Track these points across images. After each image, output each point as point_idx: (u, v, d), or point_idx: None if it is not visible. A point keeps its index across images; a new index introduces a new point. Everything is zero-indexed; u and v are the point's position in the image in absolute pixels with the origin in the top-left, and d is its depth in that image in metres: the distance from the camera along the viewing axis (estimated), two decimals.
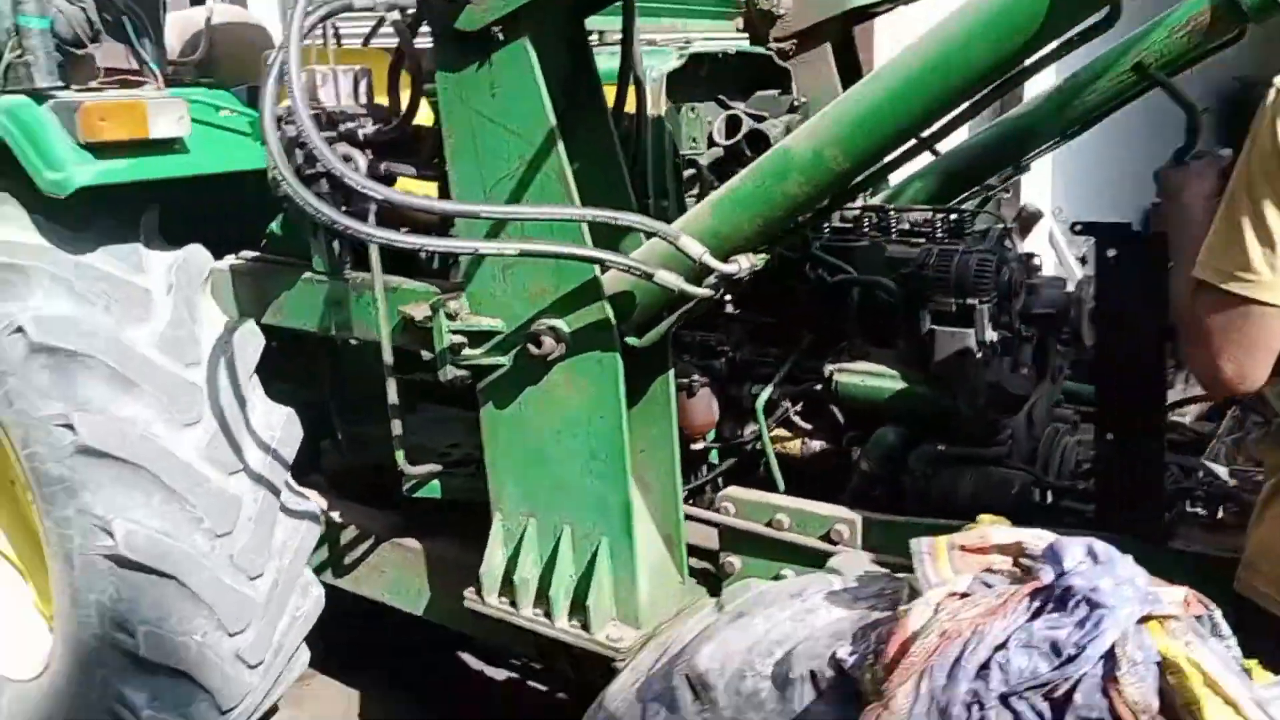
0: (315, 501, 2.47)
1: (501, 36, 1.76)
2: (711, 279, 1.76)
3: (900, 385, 2.13)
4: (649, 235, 1.80)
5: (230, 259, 2.49)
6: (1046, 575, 1.00)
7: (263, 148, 2.06)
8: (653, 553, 2.02)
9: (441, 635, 2.54)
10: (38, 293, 2.14)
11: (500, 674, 3.10)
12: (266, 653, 2.39)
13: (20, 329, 2.08)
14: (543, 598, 2.05)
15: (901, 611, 1.06)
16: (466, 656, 3.16)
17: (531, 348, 1.89)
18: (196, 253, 2.40)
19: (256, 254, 2.53)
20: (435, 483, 2.34)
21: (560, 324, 1.88)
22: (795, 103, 2.55)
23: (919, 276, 2.12)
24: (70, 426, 2.07)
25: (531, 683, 3.05)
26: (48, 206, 2.21)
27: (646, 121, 2.30)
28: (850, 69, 2.78)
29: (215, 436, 2.23)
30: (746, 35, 2.86)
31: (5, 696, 2.59)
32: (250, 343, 2.35)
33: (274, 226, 2.54)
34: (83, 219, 2.24)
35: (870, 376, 2.17)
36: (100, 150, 2.11)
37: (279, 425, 2.37)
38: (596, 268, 1.83)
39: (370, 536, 2.57)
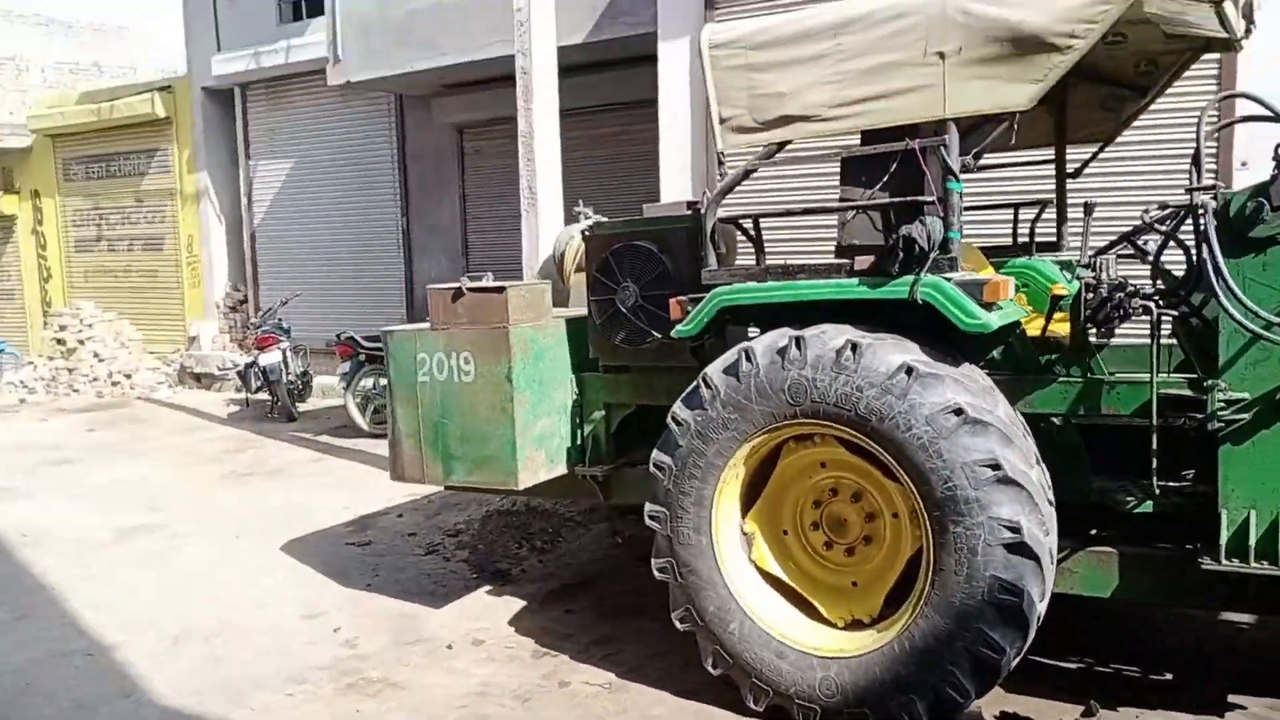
0: None
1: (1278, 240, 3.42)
2: None
3: None
4: None
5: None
6: None
7: None
8: None
9: None
10: (949, 389, 3.65)
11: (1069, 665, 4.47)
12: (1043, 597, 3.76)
13: (960, 410, 3.58)
14: (1265, 556, 3.51)
15: None
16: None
17: None
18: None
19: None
20: (1150, 503, 3.84)
21: None
22: None
23: None
24: (996, 465, 3.54)
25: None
26: (943, 340, 3.78)
27: None
28: None
29: (1042, 474, 3.72)
30: None
31: (833, 670, 3.92)
32: (1024, 424, 3.87)
33: (996, 354, 4.12)
34: (959, 348, 3.80)
35: None
36: (987, 306, 3.69)
37: (1044, 475, 3.86)
38: None
39: (1064, 549, 4.01)
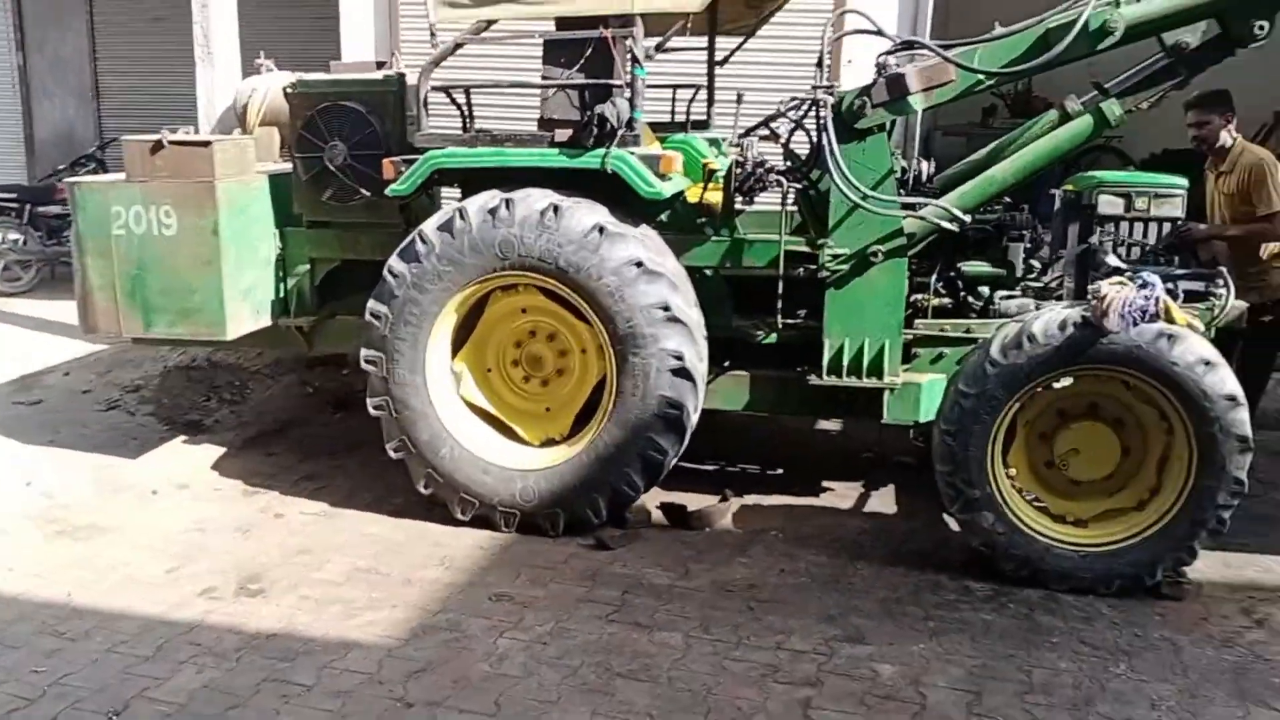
0: None
1: (875, 131, 4.48)
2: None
3: None
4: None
5: None
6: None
7: None
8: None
9: None
10: (630, 245, 4.43)
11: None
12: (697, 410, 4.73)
13: (640, 263, 4.38)
14: (853, 372, 4.70)
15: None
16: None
17: (871, 258, 4.58)
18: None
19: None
20: (774, 336, 4.91)
21: (881, 246, 4.58)
22: None
23: None
24: (666, 307, 4.40)
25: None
26: (623, 204, 4.52)
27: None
28: None
29: (699, 314, 4.64)
30: None
31: (531, 480, 4.70)
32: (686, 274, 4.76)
33: (663, 217, 4.95)
34: (636, 210, 4.56)
35: None
36: (662, 176, 4.48)
37: (700, 316, 4.79)
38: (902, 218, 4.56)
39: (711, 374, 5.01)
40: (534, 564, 4.46)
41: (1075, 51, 4.34)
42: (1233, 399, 3.87)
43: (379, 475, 5.28)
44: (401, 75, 5.10)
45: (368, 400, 4.80)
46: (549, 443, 4.87)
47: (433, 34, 4.56)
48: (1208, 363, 3.89)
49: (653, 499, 4.95)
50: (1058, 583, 4.14)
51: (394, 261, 4.65)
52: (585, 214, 4.43)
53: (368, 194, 5.04)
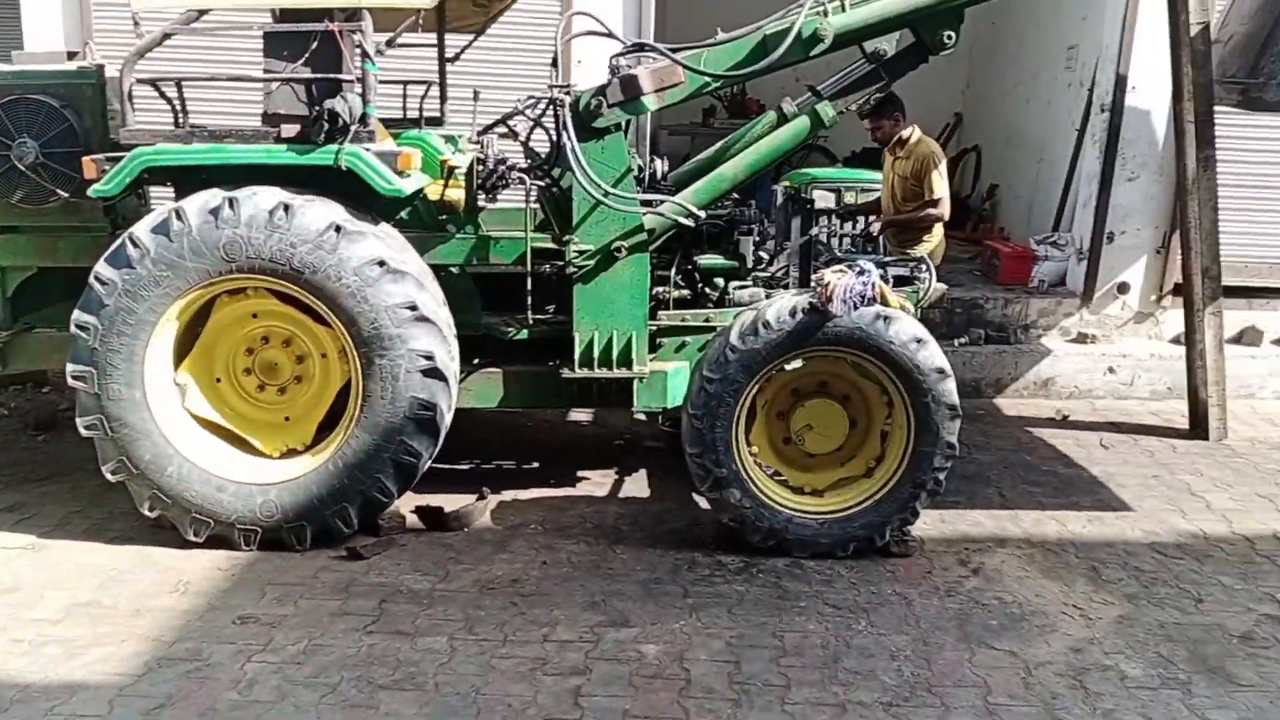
0: None
1: (612, 130, 4.57)
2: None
3: None
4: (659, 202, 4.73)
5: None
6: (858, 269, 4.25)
7: None
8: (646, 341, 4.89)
9: None
10: (370, 244, 4.27)
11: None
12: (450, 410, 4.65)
13: (383, 262, 4.23)
14: (604, 364, 4.79)
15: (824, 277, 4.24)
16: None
17: (615, 254, 4.68)
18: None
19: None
20: (525, 332, 4.91)
21: (624, 242, 4.69)
22: None
23: None
24: (414, 306, 4.28)
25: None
26: (359, 202, 4.35)
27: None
28: None
29: (448, 311, 4.55)
30: None
31: (272, 494, 4.45)
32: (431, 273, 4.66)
33: (403, 215, 4.83)
34: (373, 208, 4.41)
35: None
36: (401, 173, 4.36)
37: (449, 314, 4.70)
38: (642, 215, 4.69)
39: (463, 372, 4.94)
40: (281, 581, 4.22)
41: (791, 56, 4.63)
42: (942, 372, 4.28)
43: (95, 500, 4.83)
44: (100, 66, 4.65)
45: (77, 420, 4.35)
46: (290, 453, 4.62)
47: (136, 23, 4.20)
48: (919, 340, 4.28)
49: (407, 503, 4.80)
50: (800, 550, 4.43)
51: (102, 267, 4.24)
52: (319, 212, 4.23)
53: (65, 195, 4.56)
